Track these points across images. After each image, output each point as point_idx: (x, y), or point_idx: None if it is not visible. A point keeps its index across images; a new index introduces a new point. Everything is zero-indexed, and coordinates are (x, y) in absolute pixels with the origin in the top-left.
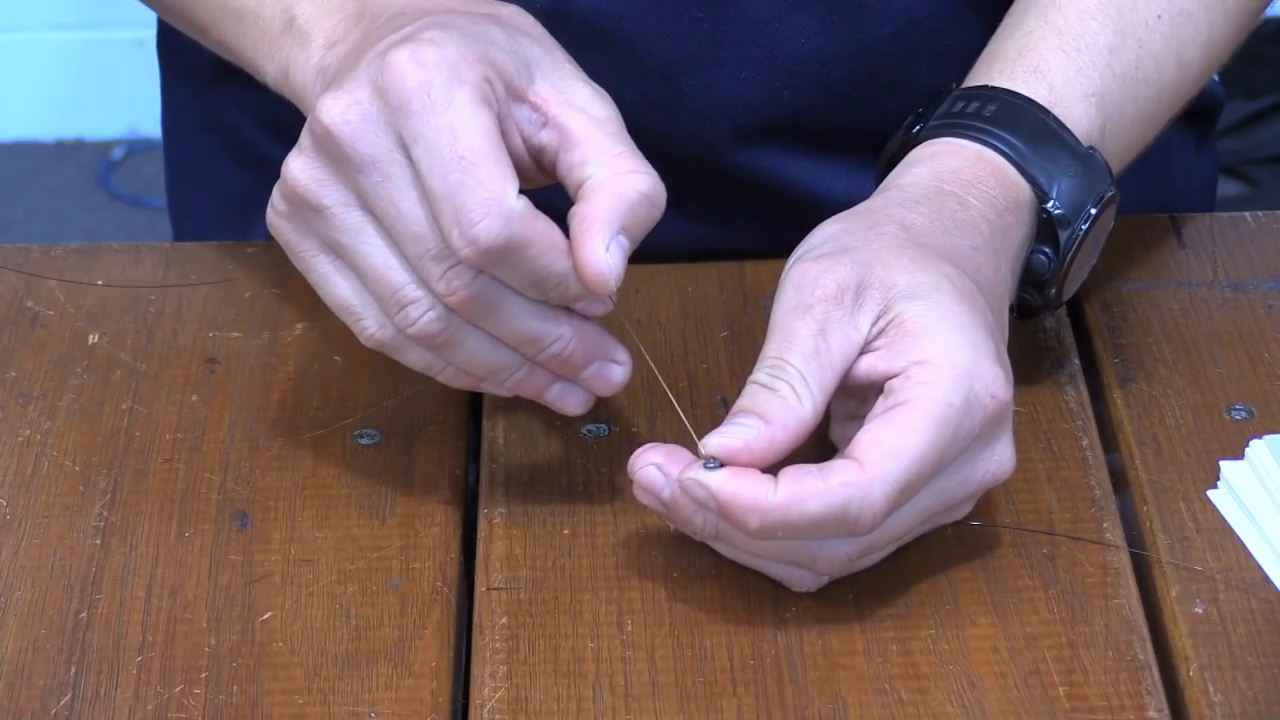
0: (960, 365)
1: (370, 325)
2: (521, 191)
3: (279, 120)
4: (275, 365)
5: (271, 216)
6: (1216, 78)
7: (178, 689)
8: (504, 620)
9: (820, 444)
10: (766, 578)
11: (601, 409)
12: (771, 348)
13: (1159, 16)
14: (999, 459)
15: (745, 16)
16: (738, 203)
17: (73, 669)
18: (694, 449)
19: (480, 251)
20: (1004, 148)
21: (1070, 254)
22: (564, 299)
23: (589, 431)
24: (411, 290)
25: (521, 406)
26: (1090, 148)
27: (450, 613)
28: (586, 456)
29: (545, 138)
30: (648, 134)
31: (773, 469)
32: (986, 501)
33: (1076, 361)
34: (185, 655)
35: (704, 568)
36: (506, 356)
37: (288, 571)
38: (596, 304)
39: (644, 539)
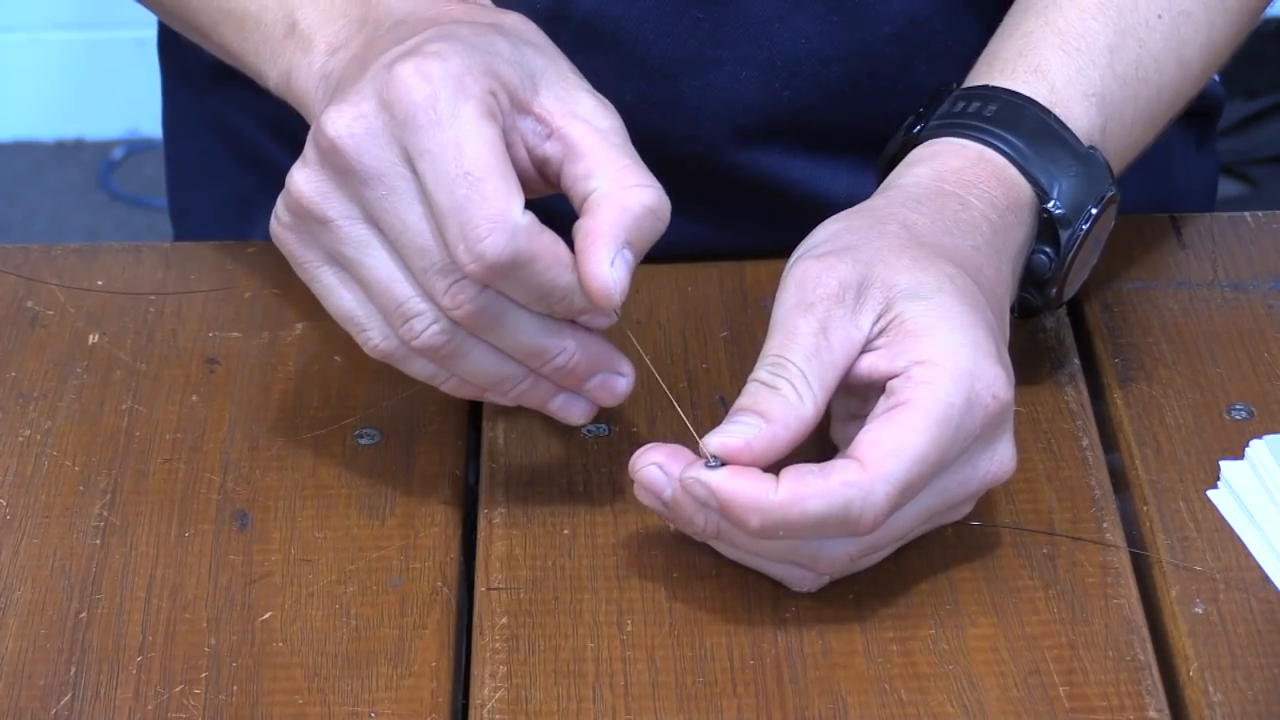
0: (962, 365)
1: (374, 336)
2: (526, 202)
3: (279, 121)
4: (275, 365)
5: (275, 227)
6: (1216, 78)
7: (178, 689)
8: (504, 620)
9: (821, 444)
10: (766, 578)
11: (602, 409)
12: (773, 346)
13: (1159, 16)
14: (1000, 459)
15: (745, 17)
16: (738, 203)
17: (73, 669)
18: (695, 449)
19: (486, 267)
20: (1005, 148)
21: (1071, 254)
22: (569, 312)
23: (589, 432)
24: (416, 303)
25: (522, 407)
26: (1091, 147)
27: (450, 613)
28: (586, 456)
29: (549, 149)
30: (648, 134)
31: (774, 468)
32: (986, 501)
33: (1076, 361)
34: (185, 655)
35: (704, 568)
36: (510, 368)
37: (288, 571)
38: (600, 317)
39: (644, 539)
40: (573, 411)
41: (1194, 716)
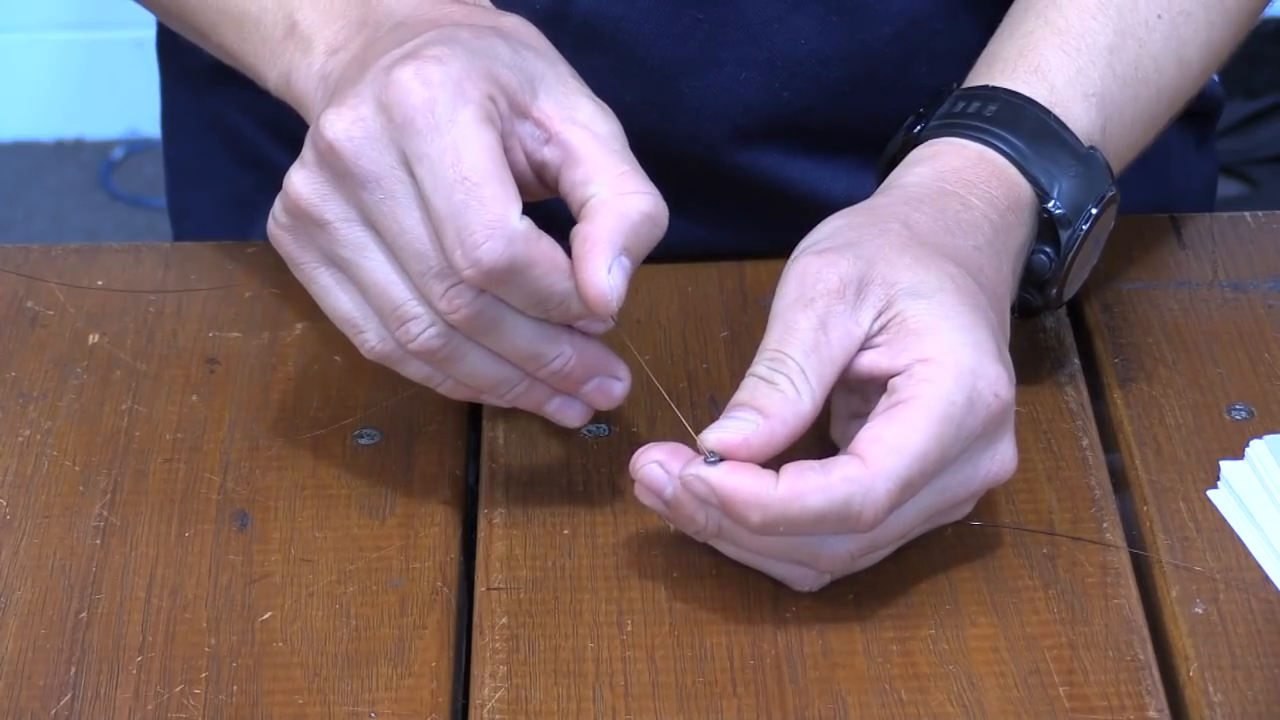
0: (964, 364)
1: (371, 338)
2: (525, 207)
3: (279, 121)
4: (275, 365)
5: (273, 228)
6: (1216, 78)
7: (178, 689)
8: (504, 620)
9: (822, 443)
10: (766, 578)
11: (599, 410)
12: (771, 340)
13: (1159, 16)
14: (1001, 458)
15: (745, 17)
16: (737, 203)
17: (73, 669)
18: (695, 448)
19: (483, 273)
20: (1005, 148)
21: (1071, 254)
22: (565, 318)
23: (589, 432)
24: (413, 306)
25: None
26: (1091, 148)
27: (450, 613)
28: (586, 456)
29: (548, 154)
30: (647, 135)
31: (774, 464)
32: (986, 501)
33: (1076, 361)
34: (185, 655)
35: (704, 568)
36: (507, 371)
37: (288, 571)
38: (597, 323)
39: (644, 539)
40: (569, 413)
41: (1194, 716)
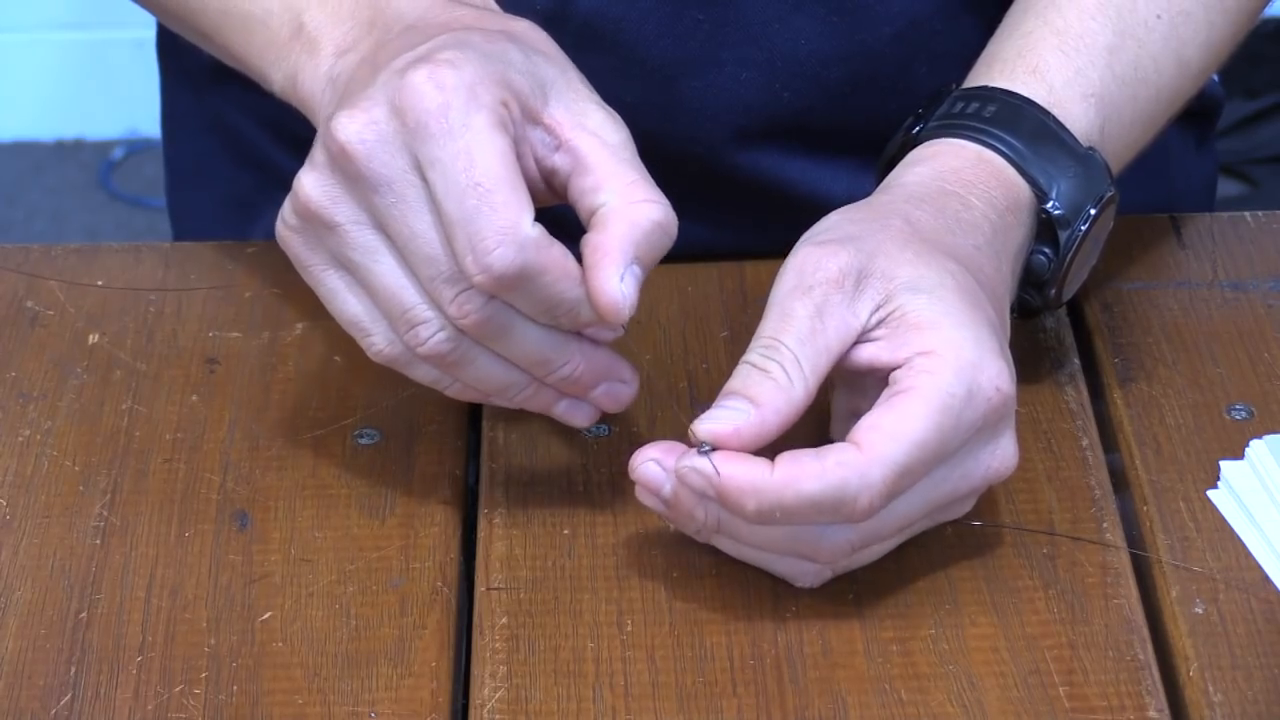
0: (965, 357)
1: (379, 341)
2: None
3: (279, 121)
4: (275, 365)
5: (281, 230)
6: (1216, 78)
7: (178, 689)
8: (504, 620)
9: (822, 443)
10: (766, 577)
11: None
12: (767, 327)
13: (1158, 16)
14: (1002, 454)
15: (745, 18)
16: (738, 203)
17: (73, 669)
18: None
19: (494, 279)
20: (1004, 149)
21: (1070, 254)
22: (575, 325)
23: (589, 432)
24: (422, 310)
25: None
26: (1089, 148)
27: (450, 613)
28: (586, 456)
29: (558, 161)
30: (647, 135)
31: (769, 453)
32: (986, 501)
33: (1076, 361)
34: (185, 655)
35: (704, 568)
36: (515, 376)
37: (287, 572)
38: (606, 331)
39: (644, 539)
40: (577, 415)
41: (1194, 716)
